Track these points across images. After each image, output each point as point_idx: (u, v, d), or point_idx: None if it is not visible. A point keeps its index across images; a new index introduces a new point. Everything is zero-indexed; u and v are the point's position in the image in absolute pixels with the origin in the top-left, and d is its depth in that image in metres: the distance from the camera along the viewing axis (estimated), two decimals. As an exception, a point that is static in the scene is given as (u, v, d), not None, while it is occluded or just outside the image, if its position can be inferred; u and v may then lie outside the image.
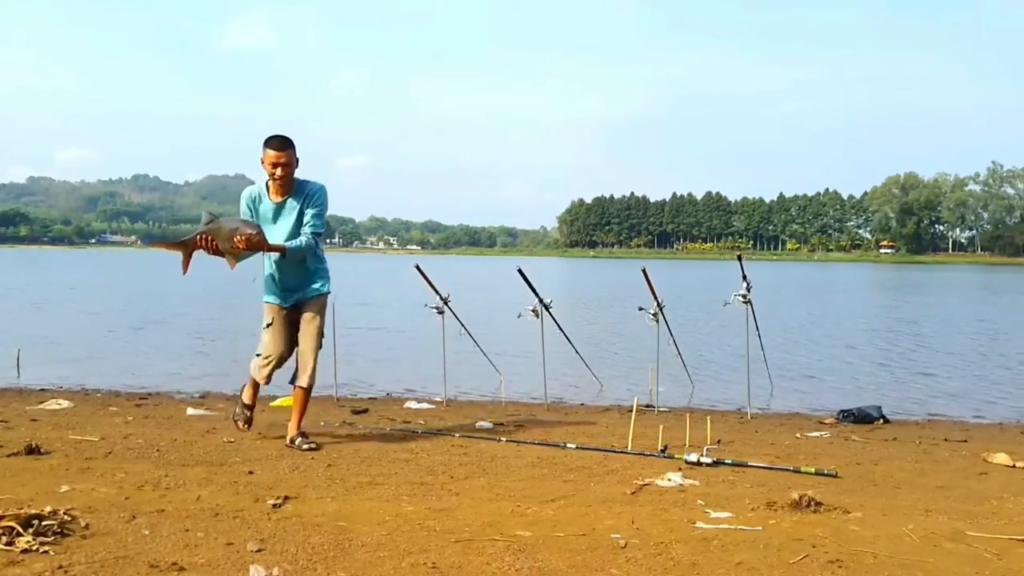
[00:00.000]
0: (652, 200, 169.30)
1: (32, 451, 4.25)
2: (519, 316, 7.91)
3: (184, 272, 4.22)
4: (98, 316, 18.00)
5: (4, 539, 2.70)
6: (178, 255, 4.31)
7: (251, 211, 4.55)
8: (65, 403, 6.68)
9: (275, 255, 4.52)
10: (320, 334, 4.66)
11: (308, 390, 4.69)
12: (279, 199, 4.51)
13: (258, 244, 4.20)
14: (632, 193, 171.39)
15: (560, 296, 9.34)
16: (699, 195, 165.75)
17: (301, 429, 4.72)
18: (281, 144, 4.39)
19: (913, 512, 3.54)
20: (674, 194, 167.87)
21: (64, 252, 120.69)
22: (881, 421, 6.94)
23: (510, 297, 10.20)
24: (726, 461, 4.52)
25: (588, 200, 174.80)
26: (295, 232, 4.49)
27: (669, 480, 4.02)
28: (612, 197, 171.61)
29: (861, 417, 6.95)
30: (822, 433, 6.18)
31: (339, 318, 8.47)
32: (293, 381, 4.72)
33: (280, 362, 4.73)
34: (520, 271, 7.72)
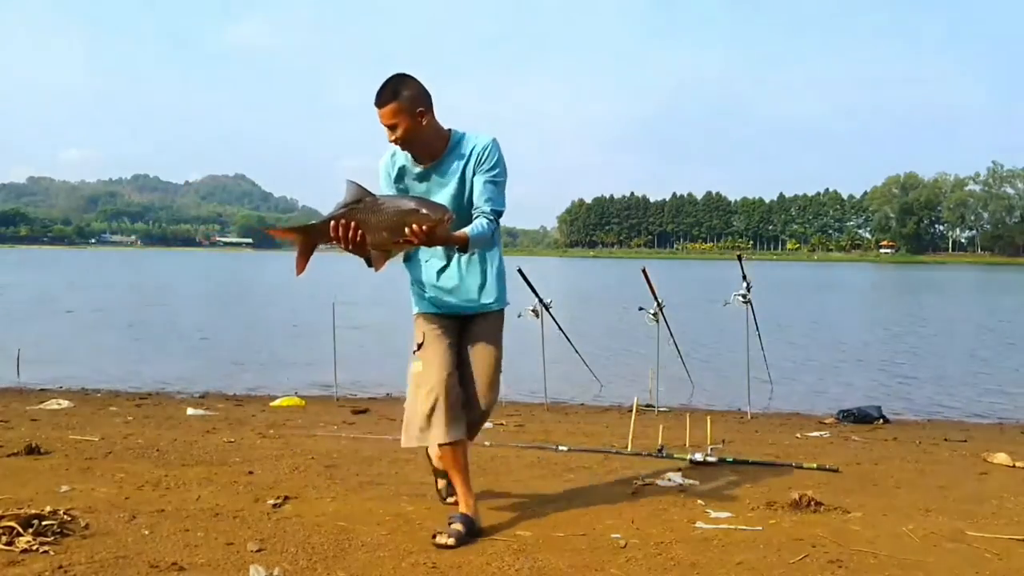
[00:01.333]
0: (652, 200, 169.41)
1: (32, 451, 4.26)
2: (519, 316, 7.90)
3: (299, 272, 2.83)
4: (97, 316, 18.00)
5: (4, 539, 2.70)
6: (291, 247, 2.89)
7: (389, 184, 3.16)
8: (65, 403, 6.69)
9: (423, 250, 3.12)
10: (499, 367, 3.19)
11: (468, 444, 3.23)
12: (428, 163, 3.08)
13: (442, 237, 2.78)
14: (632, 193, 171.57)
15: (560, 296, 9.35)
16: (699, 195, 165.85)
17: (472, 504, 3.10)
18: (384, 97, 2.91)
19: (913, 512, 3.54)
20: (674, 194, 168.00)
21: (64, 252, 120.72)
22: (881, 421, 6.94)
23: (510, 297, 10.18)
24: (727, 459, 4.53)
25: (588, 200, 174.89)
26: (459, 212, 2.99)
27: (669, 480, 4.03)
28: (612, 197, 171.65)
29: (861, 417, 6.94)
30: (822, 433, 6.18)
31: (339, 318, 8.48)
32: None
33: (451, 393, 3.07)
34: (520, 271, 7.72)
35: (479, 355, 3.17)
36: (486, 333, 3.18)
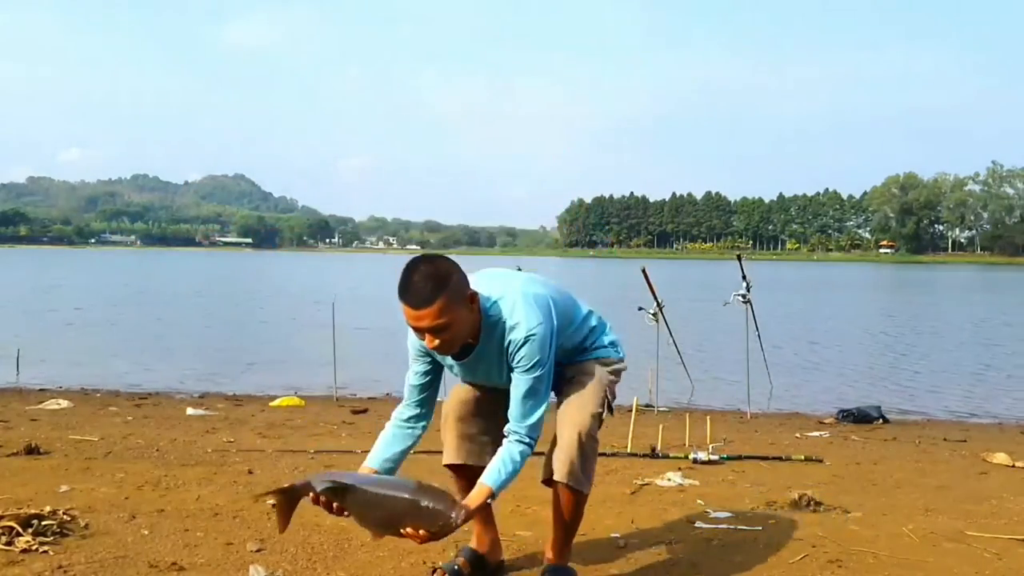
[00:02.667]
0: (652, 200, 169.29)
1: (32, 451, 4.26)
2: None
3: (281, 530, 2.34)
4: (96, 316, 17.99)
5: (4, 539, 2.70)
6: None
7: (428, 356, 2.49)
8: (65, 403, 6.69)
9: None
10: (593, 405, 2.45)
11: (571, 491, 2.44)
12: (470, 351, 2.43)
13: (450, 529, 2.18)
14: (632, 193, 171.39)
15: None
16: (699, 195, 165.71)
17: (562, 558, 2.55)
18: (425, 293, 2.20)
19: (913, 512, 3.54)
20: (674, 194, 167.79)
21: (64, 252, 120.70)
22: (880, 421, 6.94)
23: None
24: (723, 456, 4.59)
25: (588, 200, 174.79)
26: (506, 386, 2.41)
27: (668, 480, 4.03)
28: (612, 197, 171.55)
29: (861, 417, 6.95)
30: (822, 433, 6.18)
31: (340, 318, 8.48)
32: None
33: (463, 406, 2.62)
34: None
35: (569, 392, 2.50)
36: (580, 374, 2.52)
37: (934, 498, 3.87)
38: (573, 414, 2.43)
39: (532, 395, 2.35)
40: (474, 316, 2.32)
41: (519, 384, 2.35)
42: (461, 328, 2.28)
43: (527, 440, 2.34)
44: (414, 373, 2.50)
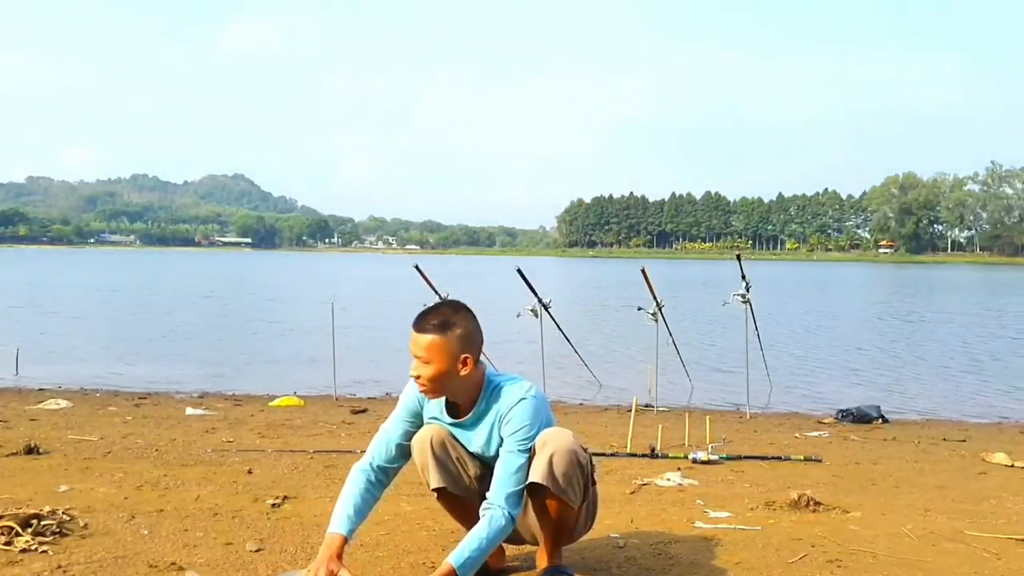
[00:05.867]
0: (651, 200, 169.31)
1: (31, 451, 4.27)
2: (518, 316, 7.91)
3: None
4: (96, 316, 17.99)
5: (3, 539, 2.70)
6: None
7: (410, 416, 2.58)
8: (64, 403, 6.69)
9: None
10: (573, 438, 2.49)
11: (555, 498, 2.43)
12: (461, 416, 2.52)
13: None
14: (631, 193, 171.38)
15: (559, 296, 9.36)
16: (698, 195, 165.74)
17: (554, 558, 2.59)
18: (426, 324, 2.40)
19: (912, 511, 3.54)
20: (673, 194, 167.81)
21: (63, 252, 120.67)
22: (880, 421, 6.94)
23: (509, 297, 10.25)
24: (722, 456, 4.58)
25: (587, 200, 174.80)
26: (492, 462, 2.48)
27: (668, 480, 4.03)
28: (611, 197, 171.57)
29: (860, 417, 6.95)
30: (821, 433, 6.18)
31: (339, 318, 8.48)
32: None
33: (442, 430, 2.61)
34: (519, 271, 7.72)
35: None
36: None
37: (933, 498, 3.87)
38: (556, 436, 2.41)
39: (514, 473, 2.38)
40: (464, 381, 2.42)
41: (503, 458, 2.41)
42: (441, 376, 2.39)
43: (506, 520, 2.34)
44: (400, 432, 2.56)
